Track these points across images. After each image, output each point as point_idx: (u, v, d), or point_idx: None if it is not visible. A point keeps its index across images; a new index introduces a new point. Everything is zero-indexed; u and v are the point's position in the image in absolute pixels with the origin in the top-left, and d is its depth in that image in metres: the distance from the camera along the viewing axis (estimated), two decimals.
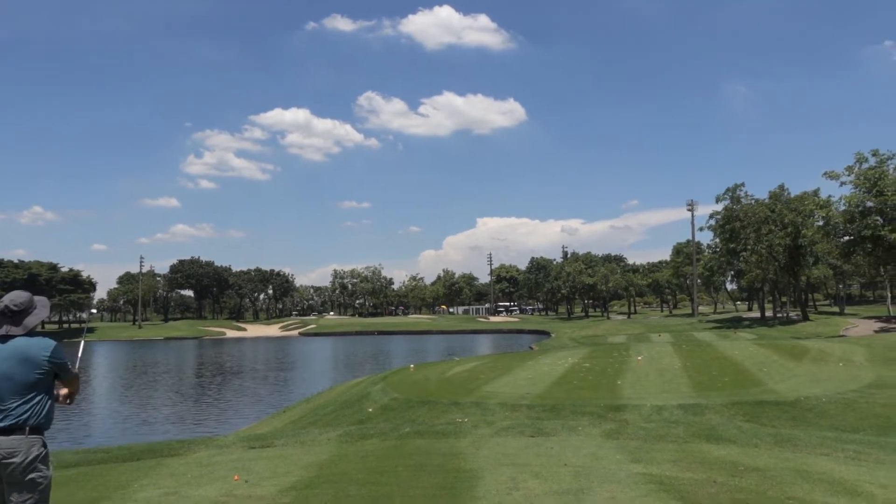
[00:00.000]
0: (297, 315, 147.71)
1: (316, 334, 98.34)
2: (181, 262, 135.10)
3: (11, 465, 3.74)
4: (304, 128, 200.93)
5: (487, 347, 62.62)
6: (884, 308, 73.66)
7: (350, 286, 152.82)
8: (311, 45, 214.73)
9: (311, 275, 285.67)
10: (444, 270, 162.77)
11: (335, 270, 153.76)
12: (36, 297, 4.11)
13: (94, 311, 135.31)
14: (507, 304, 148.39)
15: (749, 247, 58.76)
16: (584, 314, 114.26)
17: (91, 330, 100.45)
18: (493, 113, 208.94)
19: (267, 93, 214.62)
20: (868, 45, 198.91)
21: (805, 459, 7.25)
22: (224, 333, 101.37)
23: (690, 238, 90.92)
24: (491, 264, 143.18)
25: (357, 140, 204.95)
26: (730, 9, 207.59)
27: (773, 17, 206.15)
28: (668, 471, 6.60)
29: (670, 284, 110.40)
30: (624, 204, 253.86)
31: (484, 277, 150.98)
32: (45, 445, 3.89)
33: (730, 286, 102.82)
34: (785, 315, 67.02)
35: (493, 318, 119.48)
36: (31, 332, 3.96)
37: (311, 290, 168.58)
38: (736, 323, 64.17)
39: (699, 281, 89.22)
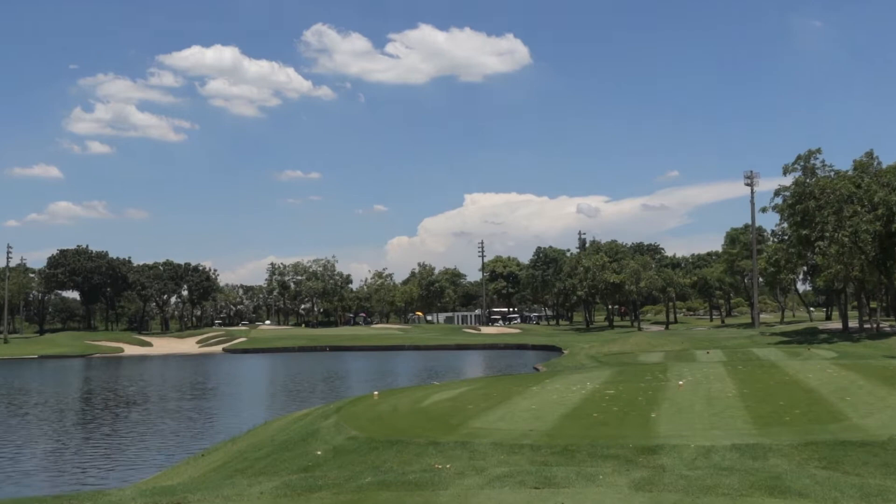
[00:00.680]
0: (220, 325, 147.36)
1: (246, 350, 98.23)
2: (63, 252, 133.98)
3: None
4: (230, 72, 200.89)
5: (478, 368, 62.76)
6: None
7: (293, 285, 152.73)
8: None
9: (241, 270, 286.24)
10: (419, 264, 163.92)
11: (272, 265, 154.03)
12: None
13: None
14: (505, 309, 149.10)
15: (827, 234, 59.28)
16: (607, 324, 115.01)
17: None
18: (486, 54, 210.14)
19: (181, 24, 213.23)
20: None
21: None
22: (121, 350, 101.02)
23: (749, 222, 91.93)
24: (483, 256, 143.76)
25: (303, 89, 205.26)
26: None
27: None
28: None
29: (722, 284, 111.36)
30: (660, 176, 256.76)
31: (473, 274, 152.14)
32: None
33: (802, 287, 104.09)
34: (874, 326, 67.78)
35: (485, 329, 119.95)
36: None
37: (241, 291, 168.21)
38: (810, 336, 64.90)
39: (761, 280, 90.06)
